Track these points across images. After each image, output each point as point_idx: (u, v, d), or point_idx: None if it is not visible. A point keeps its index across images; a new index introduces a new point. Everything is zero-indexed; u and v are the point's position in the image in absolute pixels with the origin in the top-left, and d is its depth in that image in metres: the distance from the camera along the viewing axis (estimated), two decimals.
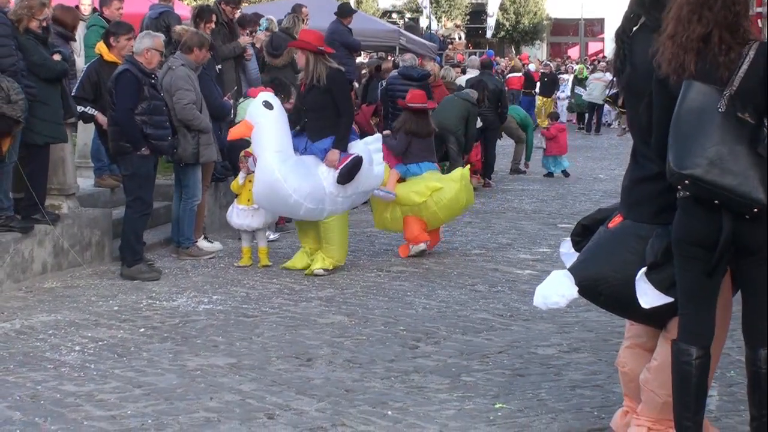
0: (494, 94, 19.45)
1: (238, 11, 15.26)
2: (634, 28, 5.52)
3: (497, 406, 6.62)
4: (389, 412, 6.47)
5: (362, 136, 17.86)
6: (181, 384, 7.05)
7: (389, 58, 23.37)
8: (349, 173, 10.66)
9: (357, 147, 11.06)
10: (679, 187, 4.96)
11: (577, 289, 5.60)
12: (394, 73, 17.63)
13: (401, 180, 12.31)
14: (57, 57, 10.51)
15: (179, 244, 11.78)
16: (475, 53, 40.79)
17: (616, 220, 5.62)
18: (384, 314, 9.20)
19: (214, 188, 13.27)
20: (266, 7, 21.74)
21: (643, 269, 5.33)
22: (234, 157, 13.33)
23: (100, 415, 6.39)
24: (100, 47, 12.00)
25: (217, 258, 11.78)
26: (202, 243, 12.05)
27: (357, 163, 10.72)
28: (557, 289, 5.65)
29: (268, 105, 10.66)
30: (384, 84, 17.79)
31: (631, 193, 5.57)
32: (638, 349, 5.76)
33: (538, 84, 34.20)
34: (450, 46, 40.05)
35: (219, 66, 13.40)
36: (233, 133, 11.11)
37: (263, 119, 10.60)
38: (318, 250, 11.05)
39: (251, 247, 11.56)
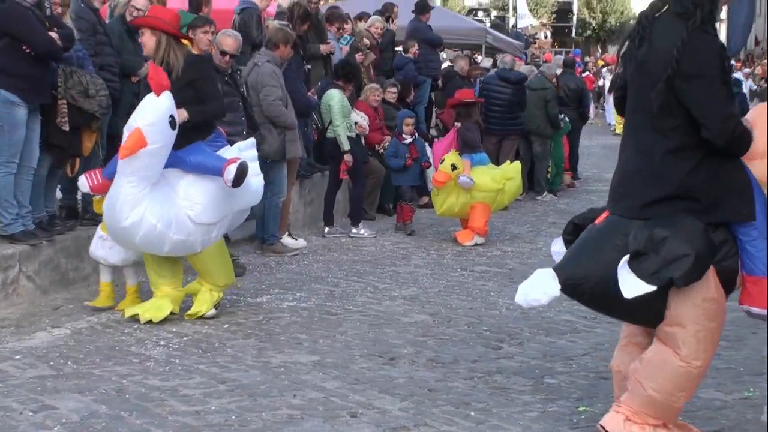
0: (575, 93, 19.33)
1: (321, 4, 15.20)
2: (657, 14, 5.45)
3: (581, 409, 6.56)
4: (472, 413, 6.44)
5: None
6: (265, 381, 7.08)
7: (463, 53, 23.31)
8: (238, 180, 8.39)
9: (230, 153, 8.82)
10: None
11: (559, 287, 5.59)
12: (492, 72, 17.64)
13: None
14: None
15: (264, 240, 11.85)
16: (560, 52, 40.54)
17: (602, 217, 5.64)
18: (467, 314, 9.18)
19: (299, 185, 13.36)
20: (354, 1, 21.48)
21: (626, 257, 5.30)
22: (323, 152, 13.43)
23: (184, 410, 6.44)
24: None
25: (302, 255, 11.82)
26: (287, 240, 12.10)
27: (244, 168, 8.45)
28: (540, 287, 5.63)
29: (173, 123, 8.22)
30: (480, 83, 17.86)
31: (618, 188, 5.57)
32: (633, 347, 5.77)
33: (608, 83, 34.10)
34: (534, 45, 39.86)
35: (308, 66, 13.43)
36: (127, 149, 8.04)
37: (161, 141, 8.17)
38: (173, 294, 8.91)
39: (113, 282, 9.21)
